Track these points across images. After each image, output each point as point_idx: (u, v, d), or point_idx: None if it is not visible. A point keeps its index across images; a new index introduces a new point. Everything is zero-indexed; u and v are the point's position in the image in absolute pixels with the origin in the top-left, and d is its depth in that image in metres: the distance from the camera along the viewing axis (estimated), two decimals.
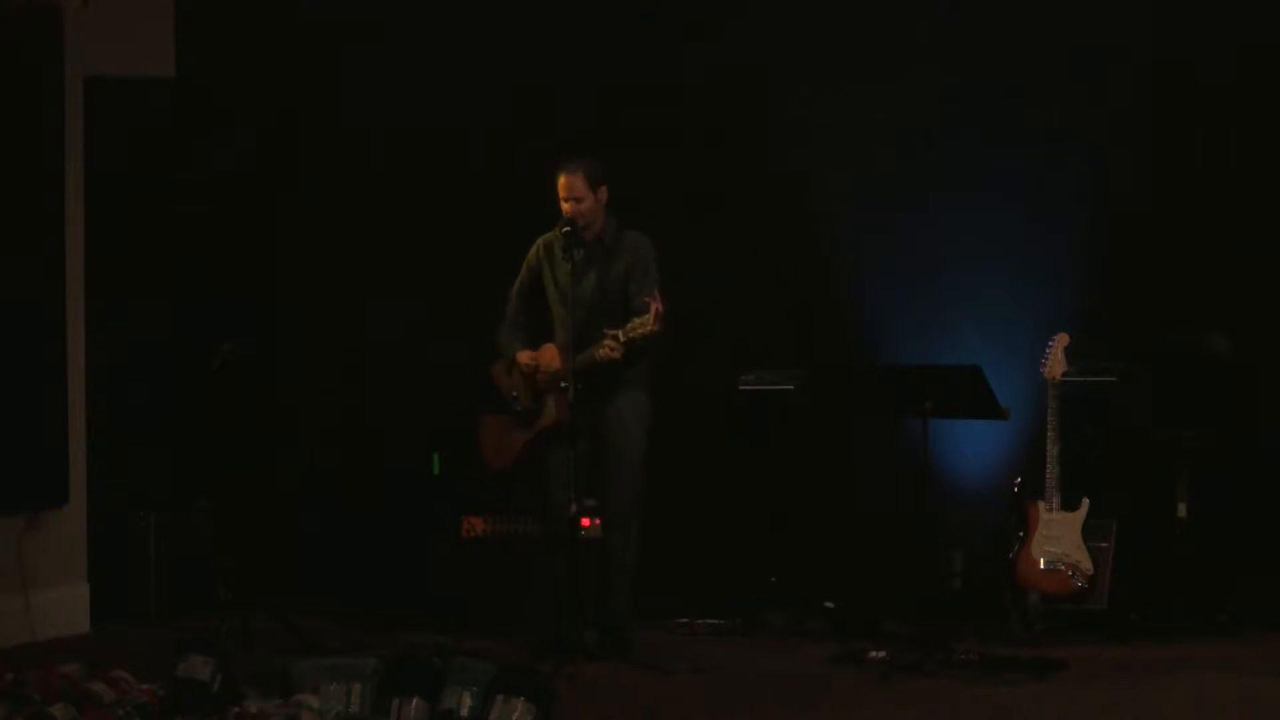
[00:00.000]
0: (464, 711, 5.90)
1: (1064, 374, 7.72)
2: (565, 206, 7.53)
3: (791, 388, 8.33)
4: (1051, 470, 7.72)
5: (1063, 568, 7.71)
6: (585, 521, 7.71)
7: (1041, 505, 7.76)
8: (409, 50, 8.88)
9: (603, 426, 7.55)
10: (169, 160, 8.79)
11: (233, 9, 8.88)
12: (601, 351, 7.36)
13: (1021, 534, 7.78)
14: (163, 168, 8.77)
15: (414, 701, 5.94)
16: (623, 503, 7.56)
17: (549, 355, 7.59)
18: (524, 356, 7.63)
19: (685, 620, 8.32)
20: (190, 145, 8.83)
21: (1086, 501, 7.75)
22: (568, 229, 7.49)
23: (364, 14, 8.91)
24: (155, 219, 8.79)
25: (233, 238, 8.90)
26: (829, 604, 8.29)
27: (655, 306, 7.20)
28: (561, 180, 7.52)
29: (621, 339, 7.32)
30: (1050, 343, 7.75)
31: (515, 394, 7.66)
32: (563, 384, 7.46)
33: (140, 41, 8.57)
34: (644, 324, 7.27)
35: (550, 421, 7.58)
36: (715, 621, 8.29)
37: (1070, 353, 7.75)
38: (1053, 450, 7.70)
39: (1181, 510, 7.97)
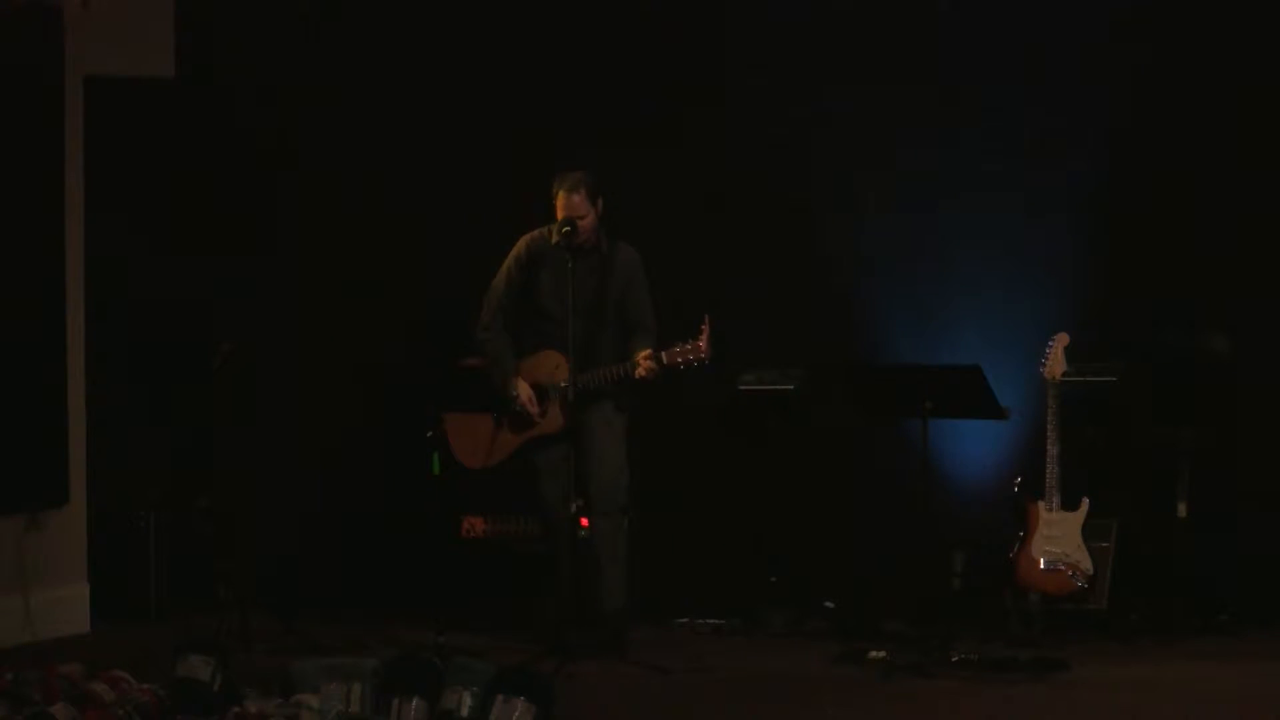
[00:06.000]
0: (464, 711, 5.90)
1: (1064, 374, 7.72)
2: None
3: (791, 388, 8.33)
4: (1051, 470, 7.71)
5: (1063, 568, 7.71)
6: (585, 521, 7.71)
7: (1041, 505, 7.75)
8: (409, 49, 8.88)
9: (589, 424, 7.55)
10: (169, 160, 8.79)
11: (233, 9, 8.88)
12: (639, 372, 7.36)
13: (1021, 534, 7.78)
14: (163, 168, 8.77)
15: (414, 701, 5.94)
16: (612, 494, 7.57)
17: (550, 363, 7.57)
18: (526, 401, 7.57)
19: (685, 620, 8.33)
20: (190, 145, 8.82)
21: (1086, 501, 7.75)
22: (568, 229, 7.48)
23: (363, 14, 8.91)
24: (155, 218, 8.78)
25: (232, 237, 8.89)
26: (829, 604, 8.29)
27: (707, 330, 7.19)
28: (562, 199, 7.51)
29: (665, 361, 7.32)
30: (1050, 343, 7.75)
31: (515, 395, 7.65)
32: (562, 383, 7.47)
33: (140, 41, 8.57)
34: (694, 350, 7.27)
35: (553, 428, 7.57)
36: (715, 621, 8.29)
37: (1070, 353, 7.75)
38: (1053, 450, 7.70)
39: (1181, 510, 7.97)
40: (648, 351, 7.40)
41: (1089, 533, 7.75)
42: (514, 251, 7.75)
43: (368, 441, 8.82)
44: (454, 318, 8.35)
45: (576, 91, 8.70)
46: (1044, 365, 7.73)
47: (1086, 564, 7.70)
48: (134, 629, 8.26)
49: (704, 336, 7.27)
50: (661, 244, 7.95)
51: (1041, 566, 7.73)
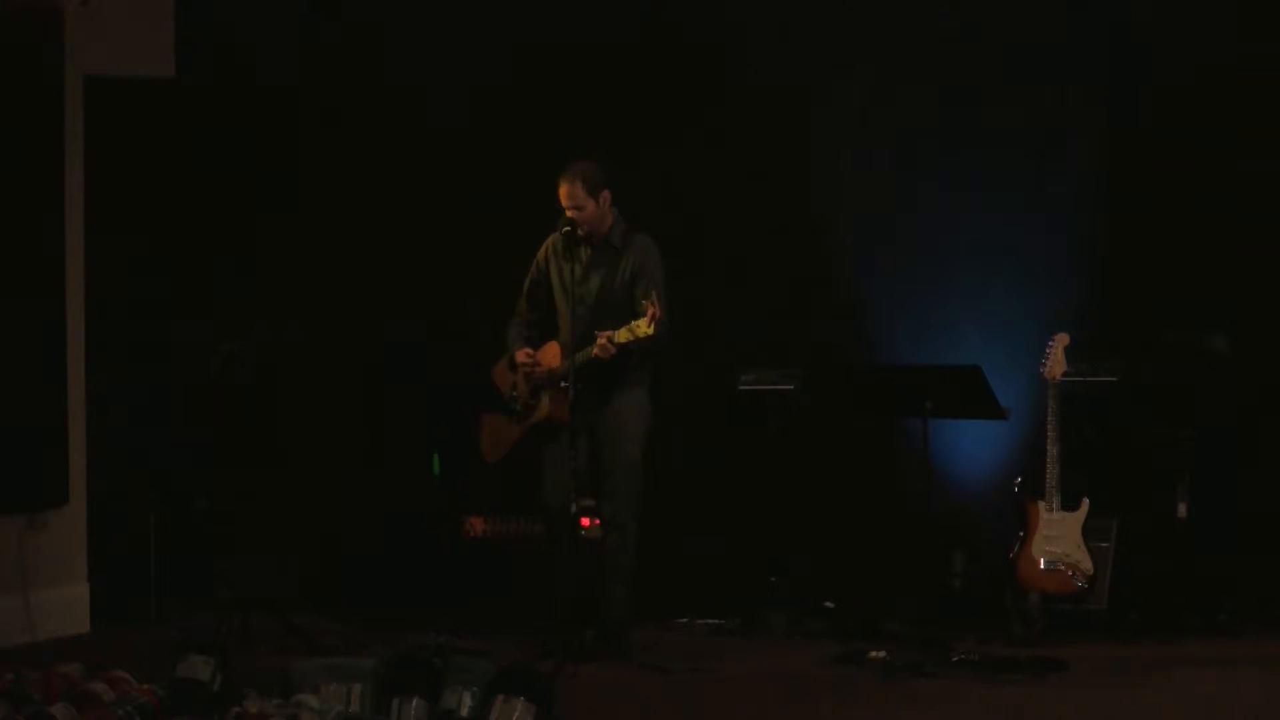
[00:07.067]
0: (464, 711, 5.90)
1: (1064, 374, 7.73)
2: (569, 213, 7.57)
3: (791, 388, 8.33)
4: (1051, 470, 7.72)
5: (1063, 568, 7.71)
6: (585, 521, 7.71)
7: (1041, 505, 7.76)
8: (410, 48, 8.88)
9: (600, 425, 7.58)
10: (169, 160, 8.78)
11: (233, 9, 8.88)
12: (595, 351, 7.39)
13: (1021, 534, 7.79)
14: (163, 168, 8.77)
15: (414, 701, 5.93)
16: (619, 502, 7.56)
17: (551, 353, 7.64)
18: (522, 355, 7.67)
19: (685, 620, 8.33)
20: (190, 145, 8.82)
21: (1086, 501, 7.75)
22: (568, 229, 7.52)
23: (364, 14, 8.91)
24: (155, 219, 8.78)
25: (232, 238, 8.89)
26: (829, 604, 8.29)
27: (652, 311, 7.22)
28: (561, 189, 7.55)
29: (616, 340, 7.34)
30: (1050, 343, 7.75)
31: (514, 391, 7.69)
32: (563, 383, 7.48)
33: (140, 41, 8.58)
34: (637, 328, 7.30)
35: (542, 417, 7.60)
36: (715, 621, 8.29)
37: (1070, 353, 7.76)
38: (1053, 450, 7.71)
39: (1181, 510, 7.97)
40: (606, 332, 7.42)
41: (1089, 533, 7.76)
42: (539, 252, 7.81)
43: (368, 441, 8.82)
44: (457, 318, 8.35)
45: (578, 91, 8.70)
46: (1044, 365, 7.74)
47: (1086, 564, 7.71)
48: (134, 629, 8.25)
49: (647, 316, 7.27)
50: (662, 244, 7.95)
51: (1041, 566, 7.73)
